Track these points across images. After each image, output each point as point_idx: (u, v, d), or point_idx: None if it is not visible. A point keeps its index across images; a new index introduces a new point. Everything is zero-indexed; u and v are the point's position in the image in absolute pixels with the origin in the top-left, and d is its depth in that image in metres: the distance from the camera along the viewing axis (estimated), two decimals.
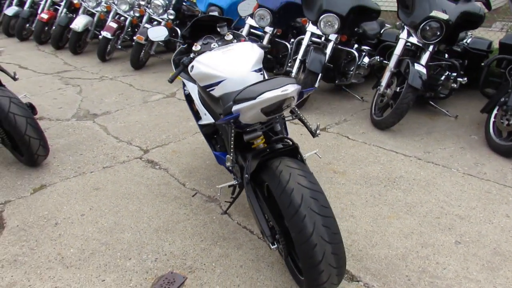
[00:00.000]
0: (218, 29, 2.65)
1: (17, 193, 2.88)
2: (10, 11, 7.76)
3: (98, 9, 6.65)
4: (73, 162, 3.28)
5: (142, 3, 5.95)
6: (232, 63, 2.24)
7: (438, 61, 4.01)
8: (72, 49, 6.73)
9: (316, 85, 4.31)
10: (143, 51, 5.91)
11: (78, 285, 2.09)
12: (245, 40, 2.74)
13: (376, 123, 3.87)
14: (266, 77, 2.62)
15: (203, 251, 2.31)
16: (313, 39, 4.45)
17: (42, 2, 7.46)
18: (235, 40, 2.71)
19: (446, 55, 4.15)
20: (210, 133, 2.67)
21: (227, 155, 2.12)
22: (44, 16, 7.14)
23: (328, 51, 4.30)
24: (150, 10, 5.84)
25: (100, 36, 6.13)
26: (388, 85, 3.89)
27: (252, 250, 2.30)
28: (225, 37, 2.65)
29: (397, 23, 3.87)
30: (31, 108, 3.36)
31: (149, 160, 3.32)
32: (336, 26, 4.12)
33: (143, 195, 2.85)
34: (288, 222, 1.71)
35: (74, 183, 3.00)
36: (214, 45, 2.55)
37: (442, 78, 4.08)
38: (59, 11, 7.14)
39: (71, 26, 6.46)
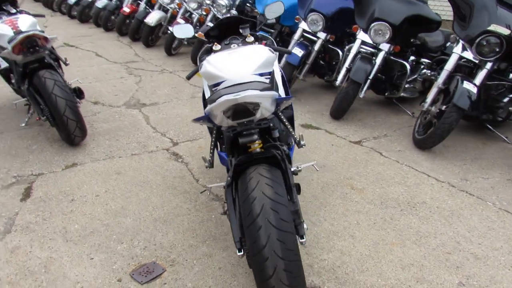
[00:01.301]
0: (240, 30, 2.67)
1: (51, 167, 3.16)
2: (100, 3, 8.50)
3: (172, 5, 7.00)
4: (107, 146, 3.52)
5: (208, 2, 6.15)
6: (234, 65, 2.23)
7: (500, 81, 3.60)
8: (145, 42, 7.18)
9: (361, 95, 4.13)
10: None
11: (69, 259, 2.25)
12: (266, 44, 2.73)
13: (416, 142, 3.60)
14: (278, 81, 2.59)
15: (190, 247, 2.35)
16: (365, 47, 4.26)
17: None
18: (257, 42, 2.70)
19: None
20: (217, 133, 2.69)
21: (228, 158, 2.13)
22: (126, 9, 7.71)
23: (378, 61, 4.09)
24: (215, 9, 6.02)
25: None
26: (434, 102, 3.59)
27: (236, 255, 2.28)
28: (246, 39, 2.65)
29: (452, 35, 3.55)
30: (79, 92, 3.66)
31: (174, 153, 3.44)
32: (387, 36, 3.90)
33: (156, 185, 2.96)
34: (245, 230, 1.67)
35: (101, 165, 3.21)
36: (233, 45, 2.57)
37: (505, 100, 3.66)
38: (140, 6, 7.66)
39: (145, 20, 6.90)
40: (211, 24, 6.01)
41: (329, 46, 4.80)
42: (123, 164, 3.24)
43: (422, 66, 4.45)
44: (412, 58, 4.40)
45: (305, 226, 1.89)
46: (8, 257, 2.24)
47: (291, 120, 2.66)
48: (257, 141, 2.14)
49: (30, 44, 3.12)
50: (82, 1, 9.22)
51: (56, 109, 3.14)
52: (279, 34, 5.45)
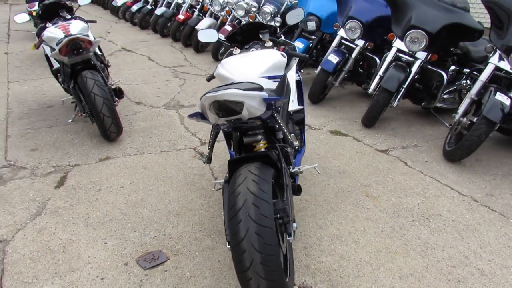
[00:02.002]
0: (260, 35, 2.77)
1: (86, 159, 3.45)
2: (159, 11, 9.01)
3: (222, 13, 7.27)
4: (140, 143, 3.77)
5: (254, 9, 6.33)
6: (243, 67, 2.33)
7: None
8: (195, 47, 7.51)
9: (394, 104, 4.06)
10: None
11: (86, 241, 2.46)
12: (284, 49, 2.80)
13: (446, 153, 3.47)
14: (292, 85, 2.65)
15: (195, 240, 2.47)
16: (402, 56, 4.17)
17: (184, 5, 8.47)
18: (276, 47, 2.79)
19: None
20: (228, 133, 2.79)
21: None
22: (181, 17, 8.12)
23: (414, 70, 4.00)
24: (260, 16, 6.18)
25: None
26: (466, 113, 3.44)
27: None
28: (265, 44, 2.75)
29: (488, 45, 3.38)
30: (119, 92, 3.96)
31: (200, 152, 3.60)
32: (423, 44, 3.81)
33: (177, 180, 3.13)
34: (228, 223, 1.75)
35: (131, 160, 3.45)
36: (252, 50, 2.69)
37: None
38: (194, 13, 8.03)
39: (196, 27, 7.23)
40: None
41: (368, 54, 4.75)
42: (151, 159, 3.45)
43: (464, 77, 4.27)
44: (452, 67, 4.24)
45: (294, 225, 1.93)
46: (34, 236, 2.50)
47: (301, 123, 2.71)
48: (262, 141, 2.23)
49: (75, 46, 3.45)
50: (143, 9, 9.83)
51: (94, 106, 3.43)
52: (320, 41, 5.49)
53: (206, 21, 7.26)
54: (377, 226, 2.58)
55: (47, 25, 4.06)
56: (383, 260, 2.28)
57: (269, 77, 2.34)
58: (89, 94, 3.43)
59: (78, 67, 3.66)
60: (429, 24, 3.75)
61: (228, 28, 6.66)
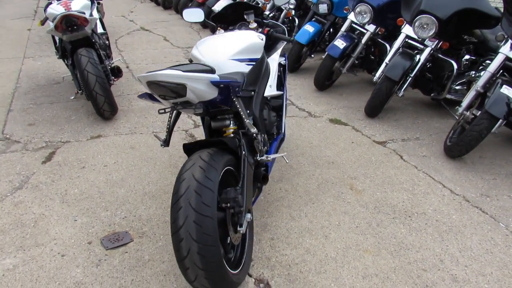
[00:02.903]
0: (245, 16, 2.66)
1: (78, 137, 3.48)
2: None
3: None
4: (134, 123, 3.76)
5: None
6: (214, 49, 2.24)
7: None
8: (212, 29, 7.42)
9: (400, 94, 3.85)
10: None
11: (57, 218, 2.48)
12: (269, 31, 2.69)
13: (446, 149, 3.26)
14: (272, 71, 2.53)
15: (163, 223, 2.44)
16: (412, 43, 3.94)
17: None
18: (260, 29, 2.68)
19: None
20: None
21: None
22: None
23: (422, 58, 3.76)
24: None
25: None
26: (471, 107, 3.21)
27: None
28: (249, 25, 2.65)
29: (499, 33, 3.10)
30: (117, 71, 3.96)
31: (191, 134, 3.56)
32: (433, 31, 3.56)
33: (161, 162, 3.10)
34: (170, 209, 1.69)
35: (121, 139, 3.45)
36: (235, 31, 2.59)
37: None
38: None
39: (212, 8, 7.12)
40: (267, 13, 6.02)
41: (379, 40, 4.51)
42: (141, 140, 3.44)
43: (481, 67, 3.98)
44: (467, 57, 3.97)
45: (248, 216, 1.85)
46: (10, 209, 2.54)
47: (279, 109, 2.59)
48: (231, 127, 2.15)
49: (70, 23, 3.44)
50: None
51: (87, 84, 3.43)
52: (332, 25, 5.27)
53: (223, 2, 7.14)
54: (353, 221, 2.46)
55: (52, 1, 4.09)
56: (350, 258, 2.17)
57: (241, 60, 2.24)
58: (82, 71, 3.43)
59: (77, 44, 3.67)
60: (440, 9, 3.50)
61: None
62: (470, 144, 2.95)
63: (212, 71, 1.73)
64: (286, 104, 2.85)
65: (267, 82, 2.47)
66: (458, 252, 2.22)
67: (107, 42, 4.06)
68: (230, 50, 2.22)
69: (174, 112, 2.06)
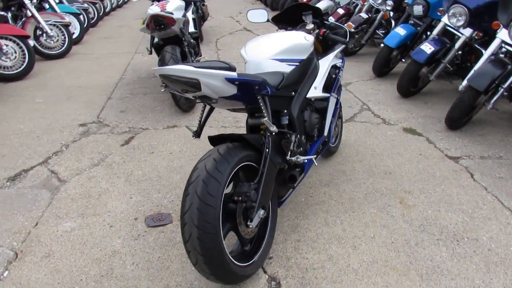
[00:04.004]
0: (303, 17, 2.69)
1: (156, 125, 3.86)
2: None
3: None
4: (212, 119, 3.99)
5: None
6: (257, 48, 2.32)
7: None
8: None
9: (488, 107, 3.45)
10: (353, 39, 5.98)
11: (117, 193, 2.81)
12: (324, 32, 2.67)
13: None
14: (320, 73, 2.51)
15: None
16: (510, 49, 3.50)
17: None
18: (317, 30, 2.67)
19: None
20: None
21: None
22: None
23: None
24: None
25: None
26: None
27: None
28: (306, 26, 2.67)
29: None
30: None
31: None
32: None
33: None
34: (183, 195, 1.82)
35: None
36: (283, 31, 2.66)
37: None
38: None
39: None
40: (363, 15, 5.85)
41: (475, 45, 4.09)
42: (208, 132, 3.65)
43: None
44: None
45: (261, 212, 1.90)
46: (84, 182, 2.95)
47: (323, 112, 2.55)
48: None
49: (158, 22, 3.82)
50: None
51: None
52: (428, 28, 4.91)
53: (324, 3, 7.11)
54: (390, 236, 2.32)
55: (153, 2, 4.57)
56: (373, 272, 2.06)
57: (282, 60, 2.27)
58: (164, 66, 3.78)
59: (168, 42, 4.06)
60: None
61: (340, 11, 6.44)
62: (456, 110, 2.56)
63: (230, 68, 1.81)
64: (337, 108, 2.78)
65: (313, 83, 2.45)
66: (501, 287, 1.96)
67: (191, 40, 4.37)
68: (271, 50, 2.27)
69: (207, 106, 2.18)
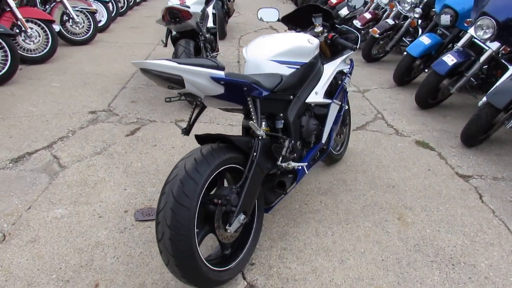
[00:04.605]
0: (312, 19, 2.60)
1: (164, 118, 3.85)
2: None
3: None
4: (218, 113, 3.97)
5: None
6: (258, 48, 2.25)
7: None
8: None
9: (508, 125, 3.26)
10: (377, 45, 5.82)
11: (113, 184, 2.80)
12: (333, 37, 2.58)
13: None
14: (323, 78, 2.42)
15: None
16: None
17: None
18: (325, 33, 2.58)
19: None
20: None
21: None
22: (333, 1, 7.94)
23: None
24: (400, 5, 5.60)
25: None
26: None
27: None
28: (315, 29, 2.58)
29: None
30: None
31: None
32: None
33: None
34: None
35: (197, 126, 3.68)
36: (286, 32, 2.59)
37: None
38: None
39: (339, 12, 7.01)
40: (390, 21, 5.67)
41: (502, 61, 3.88)
42: (215, 129, 3.63)
43: None
44: None
45: (241, 217, 1.84)
46: (83, 169, 2.97)
47: (322, 118, 2.46)
48: (262, 128, 2.14)
49: (173, 15, 3.80)
50: None
51: None
52: (455, 39, 4.70)
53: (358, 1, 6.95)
54: (381, 253, 2.21)
55: None
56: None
57: (281, 62, 2.19)
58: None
59: (184, 35, 4.05)
60: None
61: (367, 15, 6.28)
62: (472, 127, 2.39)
63: (217, 67, 1.74)
64: (340, 115, 2.68)
65: (314, 88, 2.36)
66: None
67: (208, 35, 4.32)
68: (271, 51, 2.20)
69: (198, 104, 2.12)
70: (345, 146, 3.19)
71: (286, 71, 2.20)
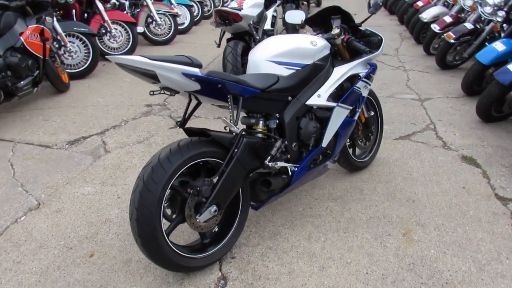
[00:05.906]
0: (331, 21, 2.58)
1: (208, 115, 4.06)
2: None
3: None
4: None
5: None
6: (260, 49, 2.30)
7: None
8: (416, 37, 6.92)
9: None
10: (454, 51, 5.38)
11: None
12: (348, 39, 2.53)
13: None
14: (329, 81, 2.38)
15: None
16: None
17: None
18: (341, 35, 2.54)
19: None
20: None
21: None
22: (419, 3, 7.49)
23: None
24: (481, 8, 5.10)
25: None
26: None
27: None
28: (332, 31, 2.55)
29: None
30: None
31: None
32: None
33: None
34: None
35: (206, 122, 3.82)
36: (319, 35, 2.60)
37: None
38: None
39: (420, 15, 6.62)
40: (468, 25, 5.20)
41: None
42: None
43: None
44: None
45: (212, 209, 1.93)
46: (121, 155, 3.29)
47: (324, 122, 2.39)
48: (259, 126, 2.22)
49: (222, 17, 3.99)
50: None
51: (224, 70, 3.94)
52: None
53: (435, 9, 6.52)
54: (369, 266, 2.10)
55: None
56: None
57: (280, 63, 2.21)
58: (224, 59, 3.96)
59: (238, 36, 4.24)
60: None
61: (447, 19, 5.83)
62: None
63: (192, 63, 1.83)
64: (354, 121, 2.57)
65: (317, 91, 2.33)
66: None
67: (258, 37, 4.43)
68: (271, 52, 2.23)
69: (193, 100, 2.24)
70: (373, 155, 3.06)
71: (284, 72, 2.21)
